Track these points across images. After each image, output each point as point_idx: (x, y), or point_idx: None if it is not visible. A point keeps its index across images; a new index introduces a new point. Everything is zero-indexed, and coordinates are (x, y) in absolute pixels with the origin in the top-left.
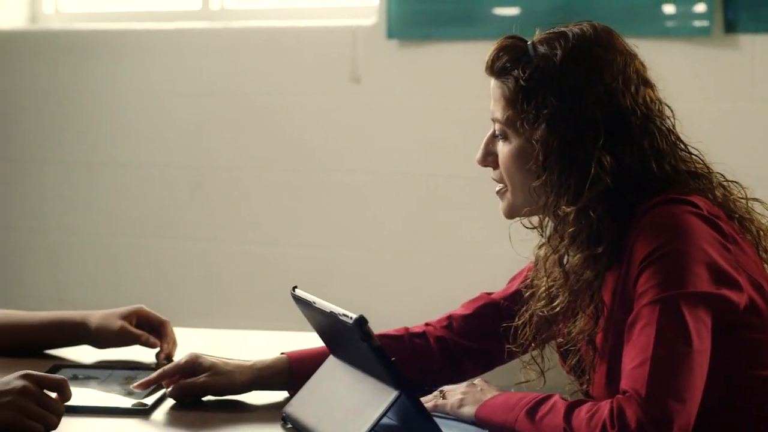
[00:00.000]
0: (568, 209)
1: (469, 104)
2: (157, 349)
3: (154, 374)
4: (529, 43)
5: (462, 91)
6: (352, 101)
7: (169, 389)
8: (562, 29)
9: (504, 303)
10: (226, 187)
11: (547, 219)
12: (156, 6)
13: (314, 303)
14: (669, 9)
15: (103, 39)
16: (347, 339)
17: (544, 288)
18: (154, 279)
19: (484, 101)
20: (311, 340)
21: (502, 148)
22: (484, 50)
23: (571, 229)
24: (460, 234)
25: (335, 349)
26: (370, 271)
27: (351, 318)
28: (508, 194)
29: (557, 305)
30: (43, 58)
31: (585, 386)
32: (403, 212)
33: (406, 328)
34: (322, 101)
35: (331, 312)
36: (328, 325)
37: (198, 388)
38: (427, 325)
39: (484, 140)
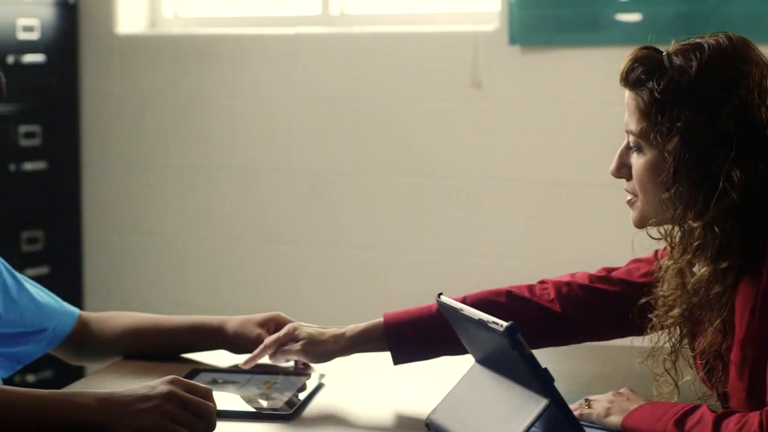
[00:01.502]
0: (695, 223)
1: (591, 110)
2: None
3: (257, 350)
4: (664, 54)
5: (584, 97)
6: (473, 107)
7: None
8: (698, 40)
9: (624, 283)
10: (344, 193)
11: (674, 230)
12: (275, 11)
13: (461, 310)
14: None
15: (223, 44)
16: (494, 346)
17: (662, 296)
18: (271, 284)
19: (606, 107)
20: None
21: (636, 160)
22: (607, 56)
23: (696, 243)
24: (581, 241)
25: (480, 356)
26: (489, 278)
27: (501, 326)
28: (639, 204)
29: (673, 316)
30: (162, 62)
31: (717, 396)
32: (523, 219)
33: (509, 291)
34: (443, 107)
35: (480, 319)
36: (474, 332)
37: (294, 355)
38: (542, 282)
39: (618, 152)
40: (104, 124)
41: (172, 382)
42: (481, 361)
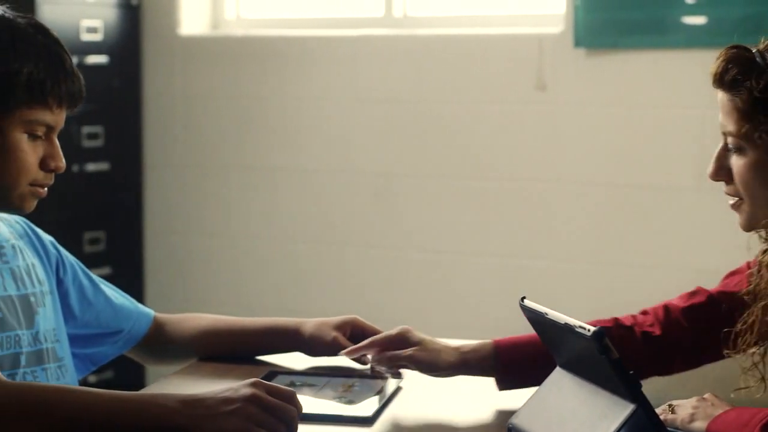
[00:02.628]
0: None
1: (657, 114)
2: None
3: (365, 341)
4: (755, 51)
5: (649, 100)
6: (538, 110)
7: (375, 358)
8: None
9: (721, 300)
10: (407, 195)
11: None
12: (338, 13)
13: (546, 314)
14: None
15: (285, 45)
16: (580, 351)
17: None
18: (336, 286)
19: (672, 110)
20: None
21: (738, 162)
22: (672, 59)
23: None
24: (646, 244)
25: (563, 360)
26: (554, 281)
27: (589, 330)
28: (746, 206)
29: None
30: (225, 64)
31: None
32: (588, 222)
33: (615, 319)
34: (507, 109)
35: (566, 324)
36: (558, 337)
37: (403, 360)
38: (644, 313)
39: (715, 154)
40: (166, 125)
41: (254, 384)
42: (564, 365)
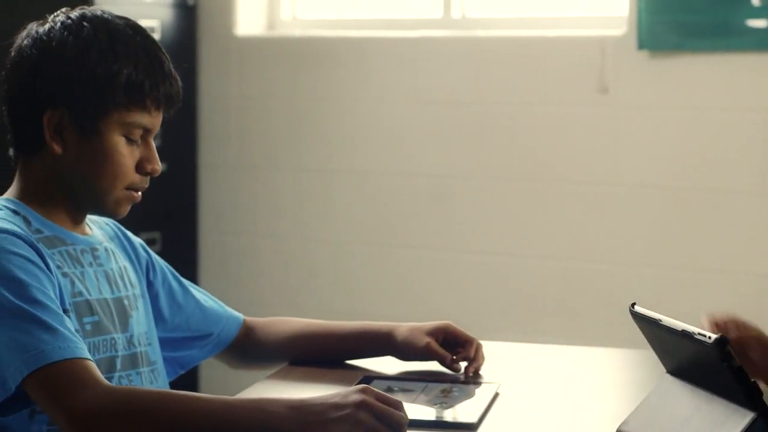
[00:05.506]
0: None
1: (720, 117)
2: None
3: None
4: None
5: (713, 103)
6: (599, 112)
7: None
8: None
9: None
10: (465, 197)
11: None
12: (395, 14)
13: (661, 321)
14: None
15: (342, 46)
16: (696, 358)
17: None
18: (391, 288)
19: (735, 113)
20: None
21: None
22: (736, 62)
23: None
24: (709, 248)
25: (673, 366)
26: (612, 284)
27: (710, 338)
28: None
29: None
30: (281, 64)
31: None
32: (650, 225)
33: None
34: (568, 112)
35: (684, 331)
36: (671, 344)
37: None
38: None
39: None
40: (222, 125)
41: (364, 391)
42: (675, 372)
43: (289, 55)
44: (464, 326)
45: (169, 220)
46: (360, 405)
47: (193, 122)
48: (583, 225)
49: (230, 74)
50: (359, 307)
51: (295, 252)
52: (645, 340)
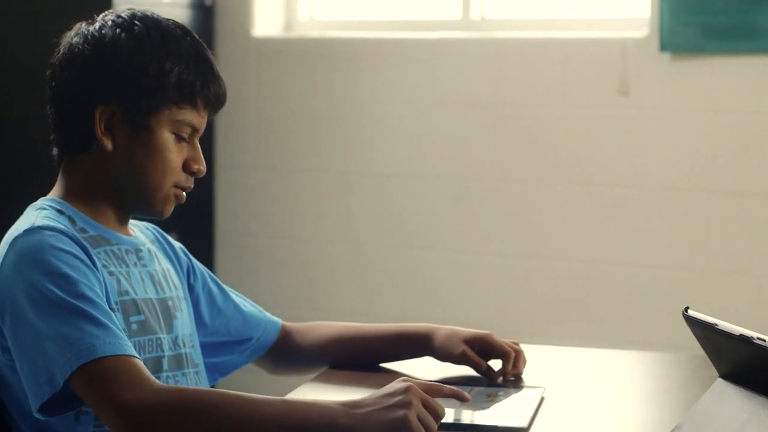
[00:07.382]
0: None
1: (743, 120)
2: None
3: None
4: None
5: (736, 105)
6: (621, 115)
7: None
8: None
9: None
10: (486, 199)
11: None
12: (414, 15)
13: (716, 325)
14: None
15: (360, 48)
16: (754, 362)
17: None
18: (410, 290)
19: (758, 116)
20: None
21: None
22: (760, 65)
23: None
24: (730, 251)
25: (726, 371)
26: (633, 287)
27: None
28: None
29: None
30: (298, 65)
31: None
32: (671, 228)
33: None
34: (589, 114)
35: (741, 335)
36: (726, 348)
37: None
38: None
39: None
40: (239, 126)
41: (406, 380)
42: (728, 376)
43: (306, 57)
44: (484, 328)
45: (186, 222)
46: (408, 390)
47: (210, 123)
48: (604, 227)
49: (247, 75)
50: (378, 309)
51: (313, 254)
52: (667, 343)
